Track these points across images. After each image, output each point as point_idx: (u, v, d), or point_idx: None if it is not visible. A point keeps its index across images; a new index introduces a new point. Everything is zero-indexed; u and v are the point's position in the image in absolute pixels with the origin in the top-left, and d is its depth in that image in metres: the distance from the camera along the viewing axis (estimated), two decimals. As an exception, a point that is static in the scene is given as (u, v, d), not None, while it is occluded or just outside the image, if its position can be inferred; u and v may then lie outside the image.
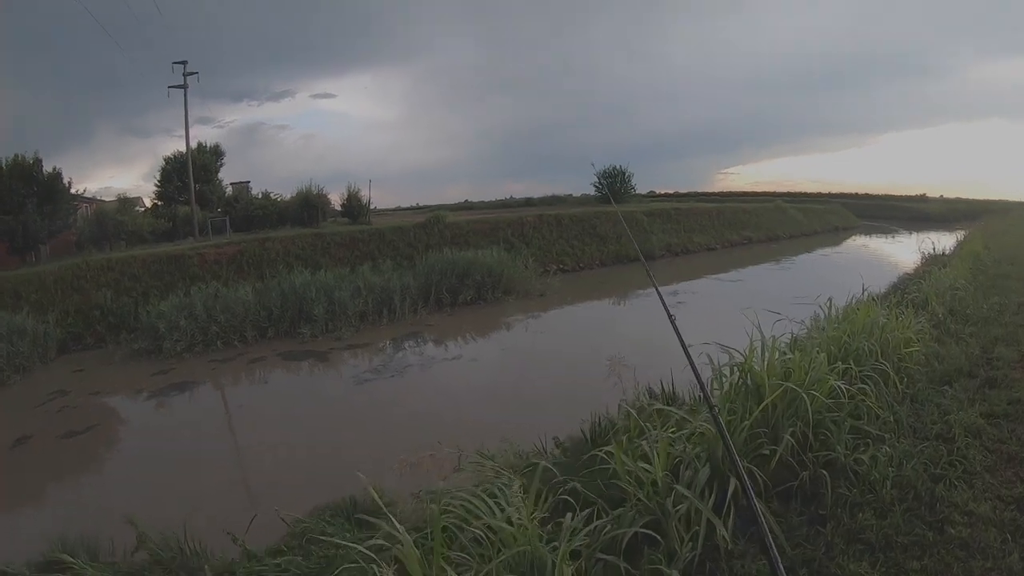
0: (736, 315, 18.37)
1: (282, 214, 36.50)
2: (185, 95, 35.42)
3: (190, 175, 36.70)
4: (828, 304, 10.14)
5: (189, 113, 35.56)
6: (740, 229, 45.25)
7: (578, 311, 22.56)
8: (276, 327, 19.90)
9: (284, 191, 41.21)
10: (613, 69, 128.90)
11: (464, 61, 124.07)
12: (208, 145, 46.81)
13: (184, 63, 35.35)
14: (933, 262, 21.15)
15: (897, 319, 9.29)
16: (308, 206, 35.18)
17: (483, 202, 71.93)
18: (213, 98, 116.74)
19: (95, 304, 21.53)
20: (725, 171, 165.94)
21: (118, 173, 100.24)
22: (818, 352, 6.89)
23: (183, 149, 43.39)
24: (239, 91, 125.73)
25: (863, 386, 6.79)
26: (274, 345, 19.02)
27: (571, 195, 61.96)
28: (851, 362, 7.30)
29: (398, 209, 70.68)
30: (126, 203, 36.88)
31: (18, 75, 73.78)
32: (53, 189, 30.23)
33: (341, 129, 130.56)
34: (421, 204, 77.77)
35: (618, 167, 55.48)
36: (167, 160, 43.73)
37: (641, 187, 77.88)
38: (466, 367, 16.13)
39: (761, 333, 6.71)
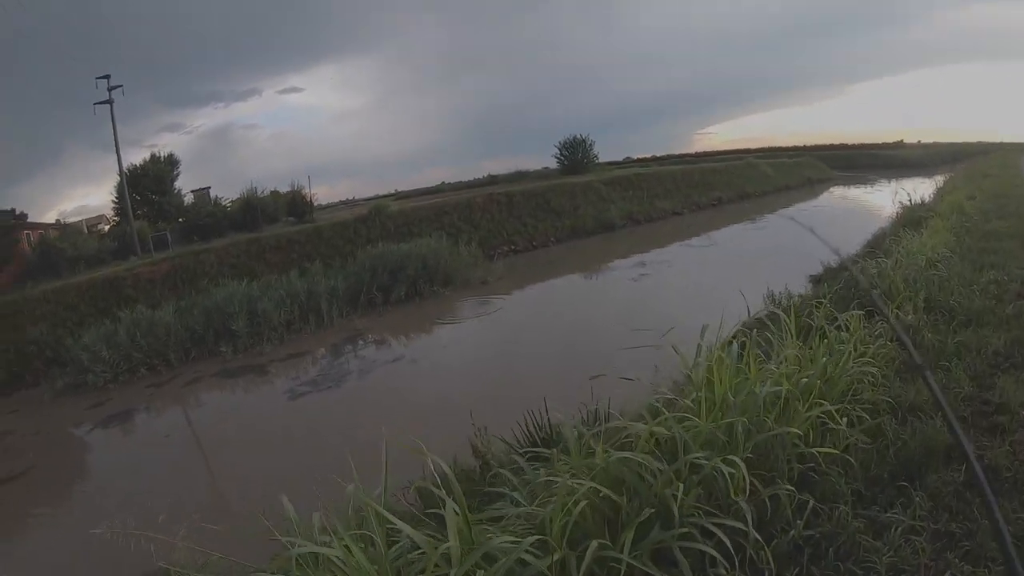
0: (707, 285, 17.53)
1: (232, 220, 35.45)
2: (112, 111, 34.29)
3: (124, 192, 35.64)
4: (699, 343, 5.82)
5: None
6: (709, 190, 43.66)
7: (515, 302, 20.39)
8: (199, 347, 18.62)
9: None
10: (583, 38, 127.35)
11: (430, 43, 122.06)
12: (162, 155, 45.58)
13: (107, 77, 34.11)
14: (907, 220, 18.85)
15: (828, 360, 5.84)
16: (250, 209, 34.06)
17: (459, 182, 70.55)
18: (179, 104, 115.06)
19: (31, 340, 20.41)
20: (702, 131, 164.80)
21: (91, 190, 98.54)
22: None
23: (146, 159, 43.18)
24: (205, 94, 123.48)
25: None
26: (199, 367, 17.78)
27: (546, 168, 60.31)
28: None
29: (376, 198, 69.45)
30: (67, 228, 35.85)
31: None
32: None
33: (312, 123, 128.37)
34: (399, 190, 76.87)
35: (579, 136, 54.43)
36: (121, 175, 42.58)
37: (617, 154, 77.13)
38: (395, 377, 14.78)
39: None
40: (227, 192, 42.48)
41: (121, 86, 34.67)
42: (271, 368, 16.78)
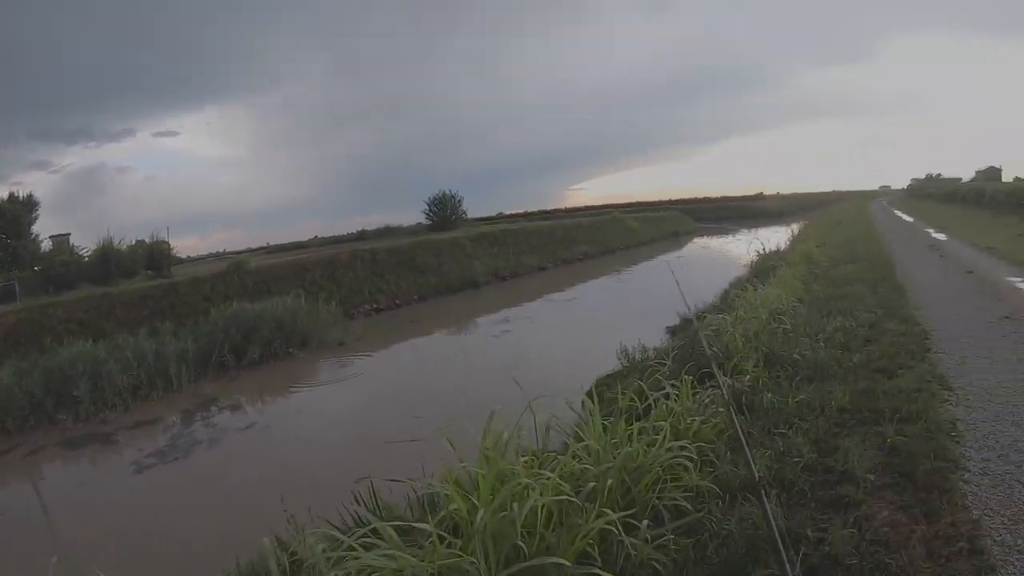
0: (564, 340, 17.80)
1: (87, 272, 33.92)
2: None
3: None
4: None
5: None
6: (574, 245, 45.39)
7: (372, 365, 19.82)
8: (37, 413, 17.45)
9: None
10: (465, 94, 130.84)
11: (313, 92, 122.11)
12: (21, 195, 43.60)
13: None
14: (760, 270, 19.84)
15: (641, 442, 5.31)
16: (106, 261, 32.82)
17: (331, 237, 69.99)
18: (49, 139, 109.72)
19: None
20: (574, 187, 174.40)
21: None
22: None
23: (3, 199, 41.03)
24: (76, 131, 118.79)
25: None
26: (39, 436, 16.70)
27: (419, 224, 60.41)
28: None
29: (246, 251, 68.94)
30: None
31: None
32: None
33: (187, 169, 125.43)
34: (271, 243, 76.54)
35: (448, 192, 55.70)
36: (-33, 217, 40.30)
37: (490, 209, 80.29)
38: (245, 446, 14.56)
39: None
40: (93, 239, 40.42)
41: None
42: (118, 437, 16.07)
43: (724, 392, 6.96)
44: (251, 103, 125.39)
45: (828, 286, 14.61)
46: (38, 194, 43.95)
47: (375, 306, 28.67)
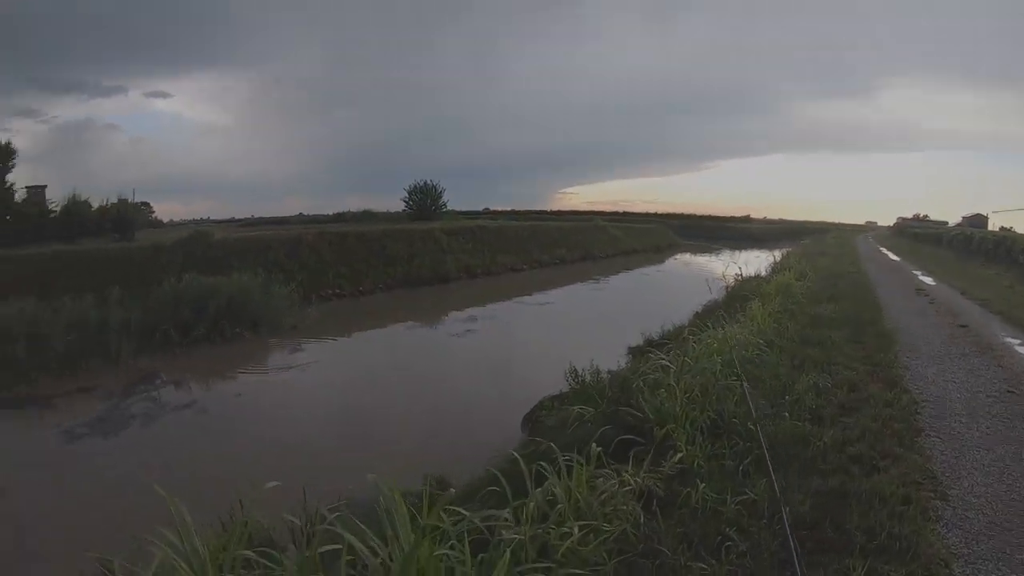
0: (528, 347, 17.16)
1: (51, 228, 32.77)
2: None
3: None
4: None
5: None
6: (553, 248, 45.11)
7: (324, 354, 18.91)
8: None
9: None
10: (458, 89, 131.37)
11: (309, 70, 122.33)
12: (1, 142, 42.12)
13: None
14: (733, 296, 18.62)
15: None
16: (70, 217, 31.81)
17: (316, 215, 69.55)
18: (43, 87, 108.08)
19: None
20: (565, 191, 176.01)
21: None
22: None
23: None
24: (71, 82, 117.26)
25: None
26: None
27: (404, 210, 59.55)
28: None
29: (231, 221, 68.87)
30: None
31: None
32: None
33: (175, 133, 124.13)
34: (256, 216, 76.47)
35: (430, 182, 55.35)
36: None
37: (478, 204, 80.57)
38: (179, 427, 13.65)
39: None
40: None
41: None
42: (57, 403, 15.13)
43: (636, 483, 5.42)
44: (246, 75, 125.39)
45: (805, 327, 13.12)
46: (25, 143, 42.89)
47: (337, 291, 27.77)
